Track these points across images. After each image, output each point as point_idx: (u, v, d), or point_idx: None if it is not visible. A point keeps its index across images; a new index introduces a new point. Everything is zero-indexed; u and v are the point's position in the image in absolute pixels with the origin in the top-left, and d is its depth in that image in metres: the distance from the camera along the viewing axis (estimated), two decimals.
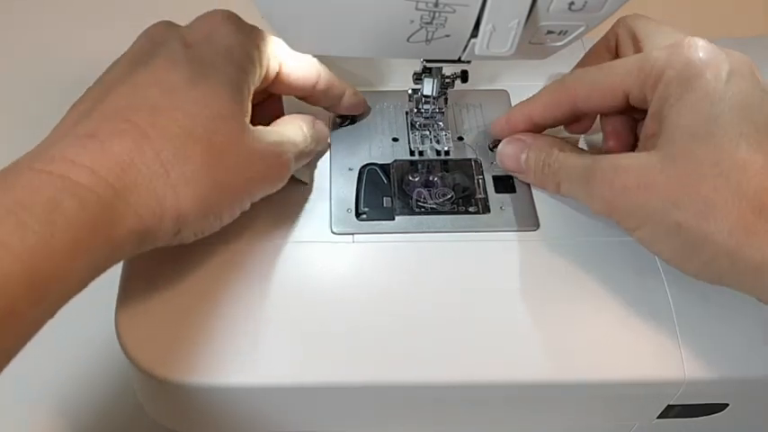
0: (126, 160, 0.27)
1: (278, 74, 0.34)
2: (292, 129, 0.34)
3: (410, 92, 0.39)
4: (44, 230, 0.24)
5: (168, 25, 0.32)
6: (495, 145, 0.39)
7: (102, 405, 0.40)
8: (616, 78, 0.33)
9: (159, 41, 0.31)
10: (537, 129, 0.37)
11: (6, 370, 0.43)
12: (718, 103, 0.30)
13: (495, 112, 0.41)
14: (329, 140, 0.39)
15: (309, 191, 0.37)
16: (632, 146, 0.36)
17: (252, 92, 0.32)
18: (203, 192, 0.29)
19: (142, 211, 0.27)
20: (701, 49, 0.31)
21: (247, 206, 0.32)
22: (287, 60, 0.35)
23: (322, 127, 0.37)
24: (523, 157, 0.36)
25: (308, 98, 0.37)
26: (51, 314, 0.26)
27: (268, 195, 0.36)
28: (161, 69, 0.29)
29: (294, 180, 0.36)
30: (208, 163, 0.29)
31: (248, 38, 0.32)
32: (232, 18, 0.32)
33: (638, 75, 0.32)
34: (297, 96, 0.37)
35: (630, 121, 0.36)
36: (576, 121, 0.37)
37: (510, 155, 0.37)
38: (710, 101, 0.30)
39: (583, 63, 0.38)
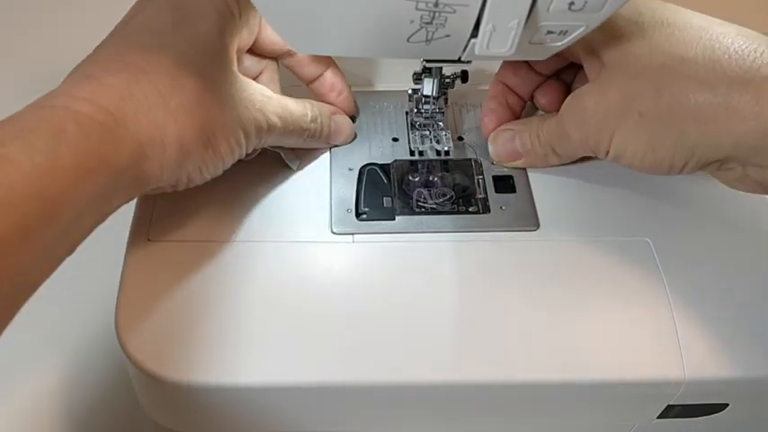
0: (124, 91, 0.28)
1: (260, 31, 0.36)
2: (292, 101, 0.35)
3: (410, 92, 0.39)
4: (50, 152, 0.25)
5: None
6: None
7: (102, 405, 0.40)
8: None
9: (145, 5, 0.32)
10: (516, 101, 0.39)
11: (6, 370, 0.43)
12: (643, 13, 0.32)
13: None
14: (351, 137, 0.39)
15: (309, 191, 0.37)
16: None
17: (235, 40, 0.33)
18: (201, 121, 0.29)
19: (143, 140, 0.28)
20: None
21: (244, 149, 0.32)
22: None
23: (342, 120, 0.38)
24: (517, 142, 0.37)
25: (294, 67, 0.38)
26: (68, 243, 0.26)
27: (268, 195, 0.36)
28: (148, 18, 0.31)
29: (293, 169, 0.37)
30: (201, 95, 0.29)
31: None
32: None
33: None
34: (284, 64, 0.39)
35: (563, 88, 0.38)
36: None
37: (503, 146, 0.38)
38: (634, 13, 0.32)
39: None
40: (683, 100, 0.30)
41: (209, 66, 0.30)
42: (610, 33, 0.32)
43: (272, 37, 0.36)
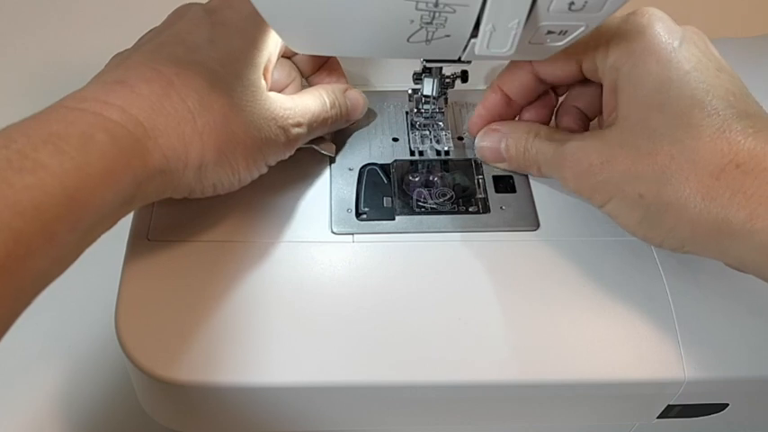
0: (155, 102, 0.28)
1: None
2: (311, 98, 0.35)
3: (410, 92, 0.39)
4: (80, 158, 0.25)
5: (192, 2, 0.34)
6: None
7: (102, 405, 0.40)
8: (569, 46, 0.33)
9: (183, 13, 0.33)
10: (511, 109, 0.38)
11: (6, 370, 0.43)
12: (670, 70, 0.30)
13: None
14: (365, 109, 0.39)
15: (309, 191, 0.37)
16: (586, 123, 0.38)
17: (274, 57, 0.34)
18: (223, 142, 0.30)
19: (169, 153, 0.28)
20: (654, 17, 0.31)
21: (263, 168, 0.33)
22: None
23: (355, 95, 0.38)
24: (503, 146, 0.37)
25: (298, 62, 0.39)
26: (84, 245, 0.27)
27: (268, 195, 0.36)
28: (184, 31, 0.31)
29: (315, 157, 0.37)
30: (227, 116, 0.30)
31: None
32: None
33: (588, 42, 0.32)
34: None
35: (584, 120, 0.37)
36: (539, 98, 0.38)
37: (489, 146, 0.37)
38: (662, 68, 0.30)
39: None
40: (684, 202, 0.29)
41: (238, 85, 0.31)
42: (638, 85, 0.31)
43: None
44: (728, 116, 0.28)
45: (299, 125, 0.34)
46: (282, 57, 0.38)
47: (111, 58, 0.32)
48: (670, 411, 0.34)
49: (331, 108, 0.36)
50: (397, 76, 0.42)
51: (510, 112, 0.38)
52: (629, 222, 0.32)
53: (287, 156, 0.34)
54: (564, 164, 0.33)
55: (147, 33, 0.33)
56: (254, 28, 0.32)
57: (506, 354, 0.32)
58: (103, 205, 0.26)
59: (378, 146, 0.39)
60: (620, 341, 0.32)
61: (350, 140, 0.39)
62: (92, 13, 0.60)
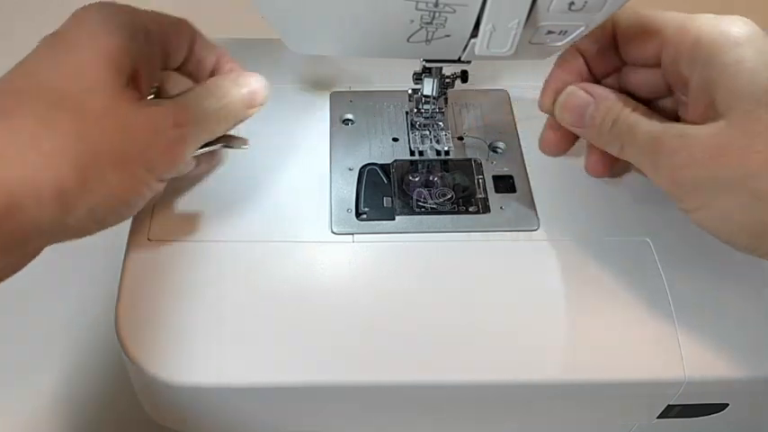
0: None
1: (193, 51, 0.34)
2: (192, 93, 0.32)
3: (410, 92, 0.39)
4: None
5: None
6: (494, 145, 0.39)
7: (102, 405, 0.40)
8: (658, 17, 0.31)
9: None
10: (589, 74, 0.35)
11: (6, 370, 0.43)
12: None
13: (495, 112, 0.41)
14: (266, 92, 0.34)
15: (309, 191, 0.37)
16: None
17: (137, 63, 0.30)
18: (83, 162, 0.27)
19: (14, 187, 0.25)
20: (741, 20, 0.30)
21: (153, 183, 0.30)
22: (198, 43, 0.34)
23: (248, 80, 0.33)
24: (590, 110, 0.33)
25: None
26: None
27: (268, 195, 0.36)
28: (25, 62, 0.29)
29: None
30: (81, 132, 0.27)
31: (124, 10, 0.31)
32: (101, 4, 0.31)
33: (677, 31, 0.30)
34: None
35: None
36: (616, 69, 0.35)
37: (574, 106, 0.33)
38: (764, 59, 0.28)
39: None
40: None
41: (89, 99, 0.28)
42: (740, 78, 0.28)
43: (203, 58, 0.34)
44: None
45: (178, 126, 0.30)
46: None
47: None
48: (670, 411, 0.34)
49: (220, 99, 0.32)
50: (397, 76, 0.42)
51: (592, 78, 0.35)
52: (734, 228, 0.29)
53: (183, 163, 0.31)
54: (660, 150, 0.30)
55: None
56: (104, 36, 0.29)
57: (506, 354, 0.32)
58: None
59: (378, 146, 0.39)
60: (620, 341, 0.32)
61: (350, 140, 0.39)
62: None
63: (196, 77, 0.35)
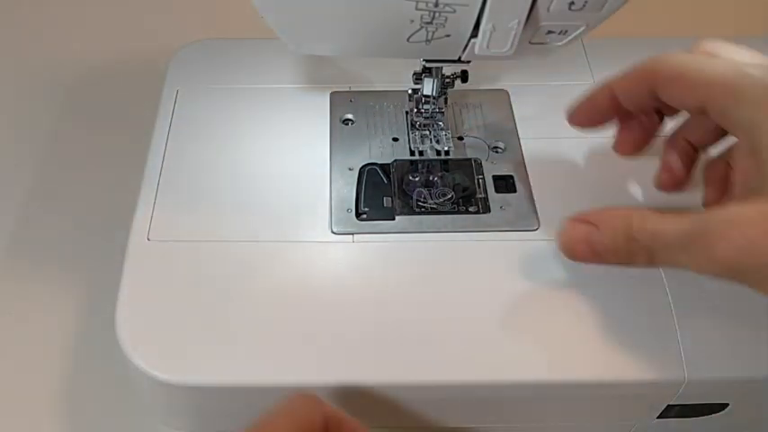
0: None
1: None
2: None
3: (410, 92, 0.39)
4: None
5: None
6: (494, 145, 0.39)
7: (102, 405, 0.40)
8: (702, 73, 0.29)
9: None
10: (618, 111, 0.33)
11: (7, 369, 0.43)
12: None
13: (495, 112, 0.41)
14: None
15: (309, 191, 0.37)
16: (682, 184, 0.35)
17: None
18: None
19: None
20: None
21: None
22: None
23: None
24: (594, 238, 0.30)
25: None
26: None
27: (268, 195, 0.35)
28: None
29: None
30: None
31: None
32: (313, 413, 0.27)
33: (725, 82, 0.28)
34: None
35: (691, 155, 0.34)
36: (651, 118, 0.34)
37: (577, 241, 0.31)
38: None
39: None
40: None
41: None
42: None
43: None
44: None
45: None
46: None
47: None
48: (670, 411, 0.34)
49: None
50: (397, 76, 0.42)
51: (610, 116, 0.34)
52: None
53: None
54: (708, 245, 0.27)
55: None
56: None
57: (506, 354, 0.32)
58: None
59: (378, 146, 0.39)
60: (620, 341, 0.32)
61: (350, 140, 0.39)
62: (93, 14, 0.60)
63: None
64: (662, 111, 0.34)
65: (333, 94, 0.41)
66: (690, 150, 0.35)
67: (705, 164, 0.35)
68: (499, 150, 0.39)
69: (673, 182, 0.36)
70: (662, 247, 0.29)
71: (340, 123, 0.40)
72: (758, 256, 0.26)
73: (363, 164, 0.38)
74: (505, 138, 0.40)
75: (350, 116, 0.41)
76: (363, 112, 0.41)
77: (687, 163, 0.35)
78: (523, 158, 0.39)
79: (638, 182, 0.38)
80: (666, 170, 0.36)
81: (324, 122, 0.40)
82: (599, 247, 0.31)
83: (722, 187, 0.33)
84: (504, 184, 0.38)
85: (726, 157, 0.33)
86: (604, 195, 0.37)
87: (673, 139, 0.35)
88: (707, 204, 0.34)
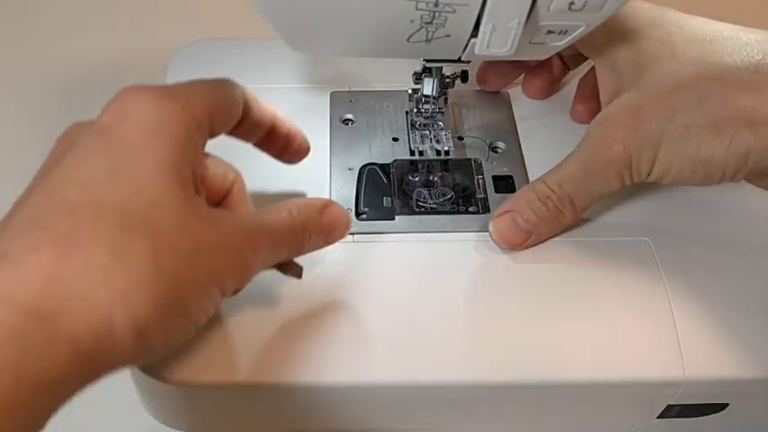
0: (50, 274, 0.21)
1: (242, 119, 0.30)
2: (275, 215, 0.28)
3: (410, 92, 0.39)
4: None
5: (77, 124, 0.28)
6: (494, 145, 0.39)
7: (102, 405, 0.40)
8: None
9: (70, 141, 0.26)
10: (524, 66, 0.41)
11: None
12: (669, 36, 0.32)
13: (495, 113, 0.41)
14: (349, 229, 0.32)
15: (309, 190, 0.37)
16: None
17: (198, 159, 0.27)
18: (161, 293, 0.23)
19: (83, 334, 0.21)
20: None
21: (219, 301, 0.26)
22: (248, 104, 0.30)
23: (334, 214, 0.31)
24: (520, 219, 0.34)
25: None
26: None
27: (267, 195, 0.36)
28: (74, 165, 0.24)
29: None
30: (156, 258, 0.23)
31: (173, 103, 0.26)
32: (145, 91, 0.26)
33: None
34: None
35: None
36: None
37: (508, 232, 0.34)
38: (662, 35, 0.32)
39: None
40: (732, 105, 0.29)
41: (161, 216, 0.24)
42: (638, 53, 0.32)
43: (258, 122, 0.31)
44: (734, 32, 0.31)
45: (254, 250, 0.27)
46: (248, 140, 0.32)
47: None
48: (670, 411, 0.34)
49: (302, 230, 0.29)
50: (398, 76, 0.42)
51: (518, 72, 0.41)
52: (686, 165, 0.30)
53: (243, 286, 0.28)
54: (597, 154, 0.32)
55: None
56: (163, 139, 0.25)
57: (505, 354, 0.32)
58: None
59: (378, 146, 0.39)
60: (620, 341, 0.32)
61: (350, 140, 0.39)
62: (92, 14, 0.60)
63: (247, 139, 0.32)
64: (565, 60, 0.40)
65: (333, 94, 0.41)
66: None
67: (578, 81, 0.40)
68: (499, 150, 0.39)
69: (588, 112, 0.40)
70: (573, 186, 0.33)
71: (340, 123, 0.40)
72: (636, 136, 0.31)
73: (363, 163, 0.38)
74: (505, 138, 0.40)
75: (350, 116, 0.41)
76: (363, 112, 0.41)
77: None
78: (523, 158, 0.39)
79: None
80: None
81: (324, 122, 0.40)
82: (527, 224, 0.34)
83: (593, 107, 0.38)
84: (504, 184, 0.38)
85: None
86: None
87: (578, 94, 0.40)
88: (572, 113, 0.40)
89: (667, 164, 0.31)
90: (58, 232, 0.22)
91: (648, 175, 0.32)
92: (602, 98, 0.35)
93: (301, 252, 0.30)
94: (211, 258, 0.25)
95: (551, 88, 0.41)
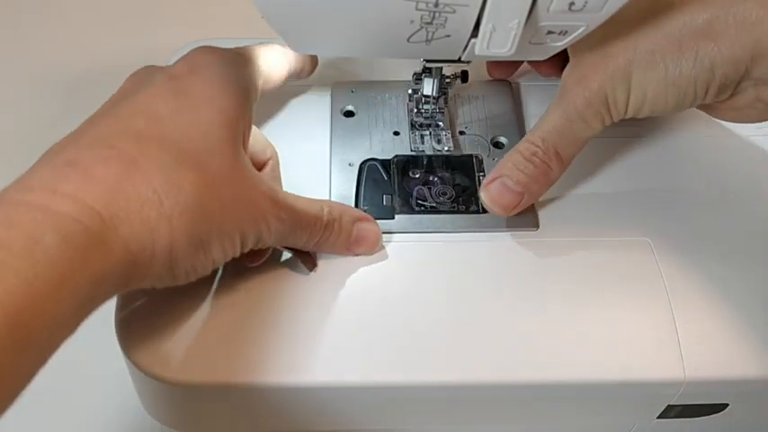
0: (114, 186, 0.25)
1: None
2: (307, 202, 0.32)
3: (410, 92, 0.39)
4: (26, 270, 0.21)
5: (152, 66, 0.31)
6: (497, 139, 0.39)
7: (102, 405, 0.40)
8: None
9: (143, 80, 0.30)
10: None
11: None
12: None
13: (498, 105, 0.41)
14: (376, 249, 0.34)
15: (309, 187, 0.37)
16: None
17: (246, 121, 0.30)
18: (196, 226, 0.26)
19: (133, 245, 0.25)
20: None
21: (237, 250, 0.29)
22: (266, 69, 0.34)
23: (368, 228, 0.33)
24: (510, 182, 0.34)
25: None
26: (37, 366, 0.23)
27: None
28: (145, 101, 0.28)
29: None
30: (201, 194, 0.26)
31: (238, 68, 0.31)
32: (217, 52, 0.31)
33: None
34: None
35: None
36: None
37: (499, 198, 0.34)
38: None
39: None
40: (690, 22, 0.30)
41: (211, 160, 0.27)
42: None
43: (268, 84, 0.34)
44: None
45: (278, 219, 0.30)
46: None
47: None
48: (670, 411, 0.34)
49: (326, 227, 0.32)
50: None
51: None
52: (659, 90, 0.31)
53: (266, 245, 0.30)
54: (571, 101, 0.32)
55: (104, 104, 0.30)
56: (224, 96, 0.29)
57: (505, 354, 0.32)
58: (55, 319, 0.22)
59: (378, 140, 0.39)
60: (620, 341, 0.32)
61: (351, 134, 0.39)
62: (92, 14, 0.60)
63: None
64: None
65: (334, 86, 0.41)
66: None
67: None
68: (501, 145, 0.39)
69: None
70: (556, 137, 0.33)
71: (341, 116, 0.40)
72: (606, 67, 0.31)
73: (364, 159, 0.38)
74: (508, 132, 0.39)
75: (351, 108, 0.40)
76: (365, 104, 0.40)
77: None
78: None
79: (638, 181, 0.38)
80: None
81: (324, 115, 0.40)
82: (518, 186, 0.34)
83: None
84: None
85: None
86: (604, 195, 0.37)
87: None
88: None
89: (641, 93, 0.31)
90: (124, 152, 0.25)
91: (626, 109, 0.32)
92: (569, 49, 0.35)
93: (319, 248, 0.33)
94: (243, 210, 0.28)
95: (514, 69, 0.41)
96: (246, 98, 0.30)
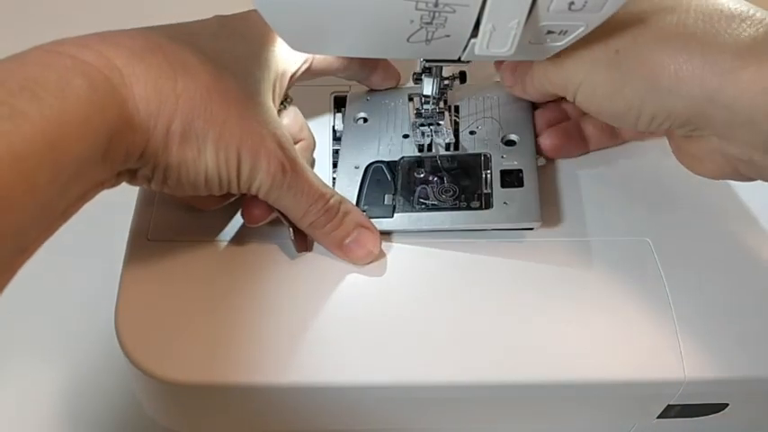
0: (137, 51, 0.27)
1: (309, 66, 0.36)
2: (318, 180, 0.33)
3: (409, 93, 0.39)
4: (58, 104, 0.24)
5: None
6: (508, 138, 0.39)
7: (102, 405, 0.40)
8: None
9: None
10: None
11: (7, 370, 0.43)
12: None
13: (510, 104, 0.40)
14: (370, 260, 0.34)
15: None
16: None
17: (282, 88, 0.33)
18: (198, 116, 0.28)
19: (142, 105, 0.27)
20: None
21: (232, 173, 0.30)
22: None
23: (368, 238, 0.34)
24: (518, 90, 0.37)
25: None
26: (62, 200, 0.25)
27: None
28: (190, 24, 0.31)
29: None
30: (212, 96, 0.29)
31: (275, 44, 0.33)
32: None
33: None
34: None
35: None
36: None
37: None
38: None
39: None
40: (662, 43, 0.29)
41: (233, 80, 0.30)
42: None
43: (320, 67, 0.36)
44: None
45: (282, 169, 0.31)
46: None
47: None
48: (670, 411, 0.34)
49: (321, 211, 0.33)
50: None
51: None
52: (607, 90, 0.31)
53: (264, 190, 0.31)
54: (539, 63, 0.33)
55: None
56: (262, 46, 0.32)
57: (505, 354, 0.32)
58: (81, 155, 0.25)
59: (387, 143, 0.39)
60: (619, 341, 0.32)
61: (360, 139, 0.39)
62: (91, 14, 0.60)
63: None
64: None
65: (351, 95, 0.41)
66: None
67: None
68: (512, 143, 0.39)
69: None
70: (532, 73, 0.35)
71: (353, 122, 0.40)
72: (568, 59, 0.32)
73: (370, 162, 0.38)
74: (520, 130, 0.39)
75: (364, 114, 0.40)
76: (378, 111, 0.40)
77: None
78: (535, 152, 0.38)
79: (638, 181, 0.38)
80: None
81: (324, 119, 0.40)
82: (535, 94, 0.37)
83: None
84: (511, 178, 0.37)
85: None
86: (604, 194, 0.37)
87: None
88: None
89: (591, 86, 0.32)
90: (152, 39, 0.28)
91: (574, 96, 0.33)
92: None
93: (315, 232, 0.33)
94: (246, 133, 0.29)
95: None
96: (278, 56, 0.32)
